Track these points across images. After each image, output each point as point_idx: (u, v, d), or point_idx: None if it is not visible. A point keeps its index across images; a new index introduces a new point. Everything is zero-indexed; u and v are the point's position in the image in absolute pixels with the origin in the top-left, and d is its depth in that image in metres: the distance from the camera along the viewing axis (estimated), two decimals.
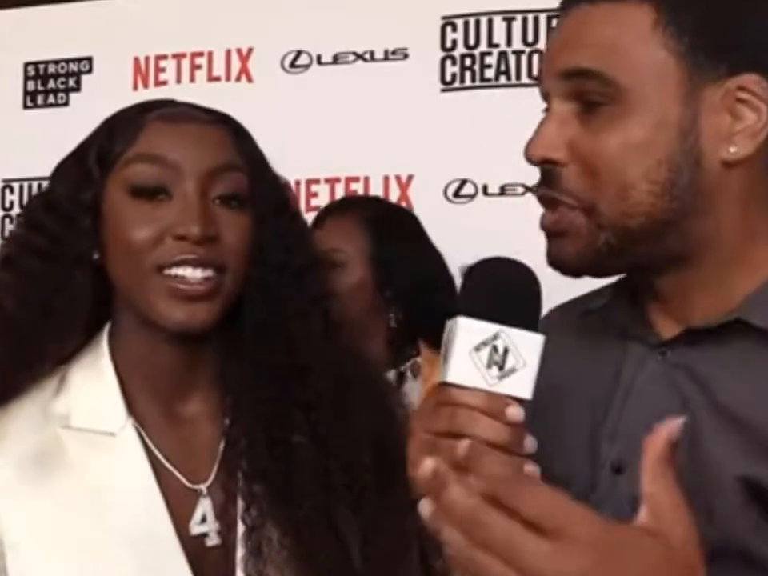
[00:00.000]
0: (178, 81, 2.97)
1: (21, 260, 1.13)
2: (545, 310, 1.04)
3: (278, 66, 2.87)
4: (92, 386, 1.13)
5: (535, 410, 0.84)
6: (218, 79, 2.94)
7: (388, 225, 2.04)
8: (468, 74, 2.74)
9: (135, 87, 2.98)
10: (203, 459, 1.14)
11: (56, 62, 3.07)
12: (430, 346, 1.93)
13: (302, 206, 2.73)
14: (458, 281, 2.21)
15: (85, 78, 3.05)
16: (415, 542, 1.13)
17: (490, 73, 2.72)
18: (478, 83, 2.73)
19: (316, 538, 1.10)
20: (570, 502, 0.68)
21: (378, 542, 1.12)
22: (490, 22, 2.73)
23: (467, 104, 2.71)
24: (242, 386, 1.14)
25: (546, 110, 0.93)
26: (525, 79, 2.64)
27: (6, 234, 2.82)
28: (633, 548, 0.69)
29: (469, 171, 2.69)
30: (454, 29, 2.75)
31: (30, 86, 3.10)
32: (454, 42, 2.75)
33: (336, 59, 2.83)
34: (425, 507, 0.71)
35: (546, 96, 0.94)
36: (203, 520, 1.11)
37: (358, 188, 2.77)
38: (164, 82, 2.97)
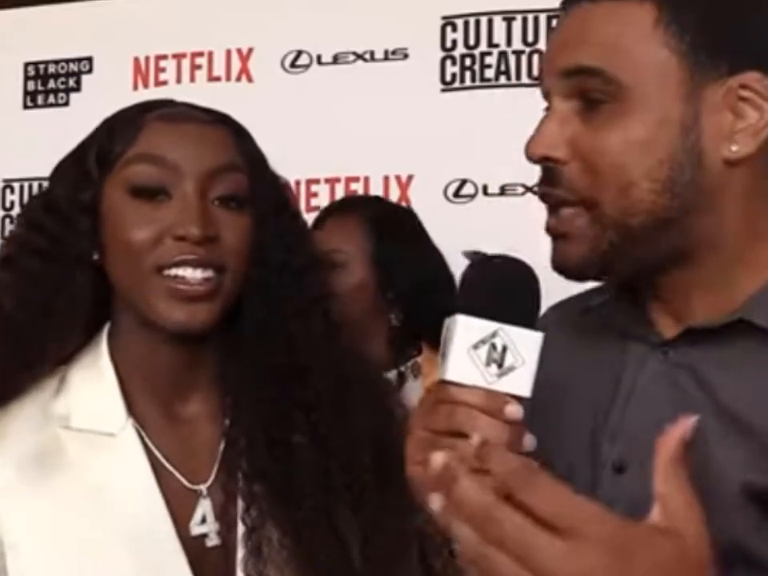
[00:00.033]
0: (178, 81, 2.97)
1: (21, 260, 1.13)
2: (544, 309, 1.04)
3: (278, 66, 2.87)
4: (92, 387, 1.13)
5: (534, 408, 0.84)
6: (218, 79, 2.94)
7: (389, 225, 2.04)
8: (468, 73, 2.74)
9: (135, 87, 2.98)
10: (203, 459, 1.14)
11: (56, 62, 3.07)
12: (431, 345, 1.93)
13: (302, 206, 2.73)
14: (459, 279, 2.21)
15: (85, 78, 3.05)
16: (415, 541, 1.13)
17: (489, 73, 2.72)
18: (478, 83, 2.73)
19: (316, 538, 1.10)
20: (583, 501, 0.68)
21: (378, 542, 1.12)
22: (490, 22, 2.73)
23: (467, 104, 2.71)
24: (242, 386, 1.14)
25: (547, 108, 0.93)
26: (525, 79, 2.64)
27: (6, 234, 2.82)
28: (646, 546, 0.69)
29: (469, 171, 2.68)
30: (454, 29, 2.75)
31: (30, 85, 3.10)
32: (454, 42, 2.75)
33: (336, 59, 2.83)
34: (435, 502, 0.71)
35: (546, 95, 0.94)
36: (203, 520, 1.11)
37: (358, 188, 2.77)
38: (164, 82, 2.97)
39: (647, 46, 0.88)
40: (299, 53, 2.86)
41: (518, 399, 0.82)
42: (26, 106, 3.10)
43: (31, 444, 1.10)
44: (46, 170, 1.19)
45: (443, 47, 2.75)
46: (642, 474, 0.89)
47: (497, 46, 2.72)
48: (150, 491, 1.09)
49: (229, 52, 2.93)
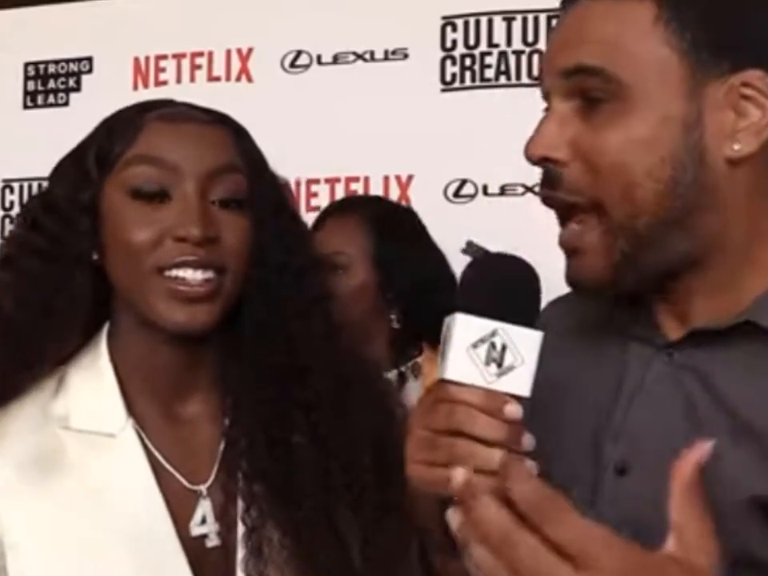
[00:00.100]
0: (178, 81, 2.97)
1: (20, 260, 1.13)
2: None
3: (278, 66, 2.87)
4: (91, 387, 1.13)
5: (534, 407, 0.84)
6: (218, 79, 2.94)
7: (389, 224, 2.04)
8: (468, 73, 2.74)
9: (135, 87, 2.98)
10: (203, 460, 1.14)
11: (56, 62, 3.07)
12: (432, 345, 1.93)
13: (302, 206, 2.73)
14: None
15: (85, 78, 3.05)
16: (415, 541, 1.13)
17: (489, 73, 2.72)
18: (478, 83, 2.73)
19: (316, 538, 1.10)
20: (599, 530, 0.68)
21: (378, 542, 1.12)
22: (490, 22, 2.73)
23: (467, 104, 2.71)
24: (242, 387, 1.14)
25: (547, 109, 0.93)
26: (525, 79, 2.64)
27: (6, 234, 2.82)
28: None
29: (469, 171, 2.68)
30: (454, 29, 2.75)
31: (30, 85, 3.10)
32: (454, 42, 2.75)
33: (336, 59, 2.83)
34: (454, 518, 0.71)
35: (546, 95, 0.93)
36: (203, 521, 1.11)
37: (358, 188, 2.77)
38: (164, 82, 2.97)
39: (647, 43, 0.88)
40: (299, 53, 2.86)
41: (518, 399, 0.82)
42: (26, 106, 3.10)
43: (31, 444, 1.10)
44: (46, 170, 1.19)
45: (443, 47, 2.75)
46: (644, 475, 0.89)
47: (497, 45, 2.72)
48: (149, 492, 1.09)
49: (229, 52, 2.93)
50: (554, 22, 0.98)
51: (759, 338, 0.87)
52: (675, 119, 0.87)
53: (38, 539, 1.07)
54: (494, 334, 0.82)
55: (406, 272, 1.97)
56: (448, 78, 2.74)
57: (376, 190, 2.74)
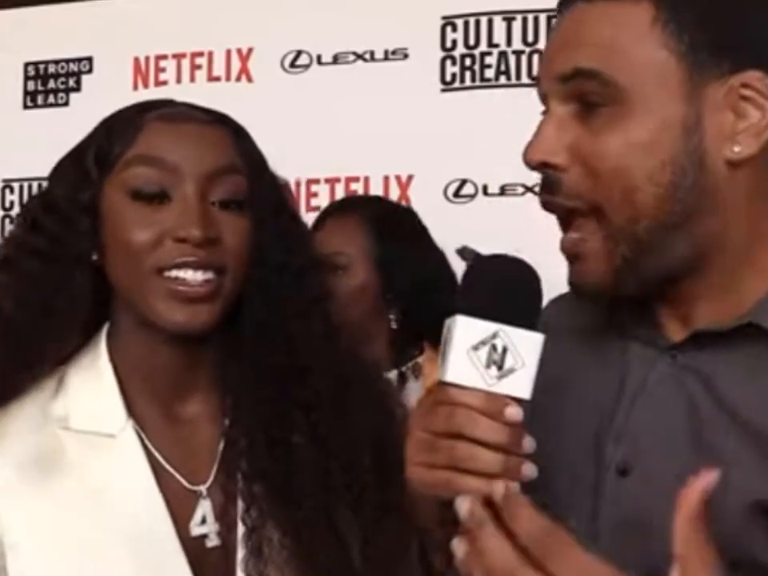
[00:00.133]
0: (178, 81, 2.97)
1: (20, 261, 1.13)
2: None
3: (278, 66, 2.87)
4: (91, 388, 1.13)
5: (534, 408, 0.84)
6: (218, 79, 2.94)
7: (389, 224, 2.04)
8: (468, 73, 2.74)
9: (135, 87, 2.98)
10: (203, 460, 1.14)
11: (56, 62, 3.07)
12: (433, 345, 1.93)
13: (302, 206, 2.73)
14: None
15: (85, 78, 3.05)
16: (415, 541, 1.13)
17: (489, 73, 2.72)
18: (478, 83, 2.73)
19: (316, 538, 1.10)
20: (602, 566, 0.68)
21: (378, 541, 1.12)
22: (490, 22, 2.73)
23: (467, 104, 2.71)
24: (242, 387, 1.14)
25: (545, 112, 0.92)
26: (525, 79, 2.64)
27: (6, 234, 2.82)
28: None
29: (469, 171, 2.69)
30: (454, 29, 2.75)
31: (30, 85, 3.10)
32: (454, 42, 2.75)
33: (336, 59, 2.83)
34: (459, 547, 0.71)
35: (544, 98, 0.92)
36: (203, 521, 1.11)
37: (358, 188, 2.77)
38: (164, 82, 2.97)
39: (645, 46, 0.87)
40: (299, 53, 2.86)
41: (518, 401, 0.82)
42: (26, 106, 3.10)
43: (31, 444, 1.10)
44: (46, 170, 1.18)
45: (443, 47, 2.75)
46: (645, 476, 0.89)
47: (497, 46, 2.72)
48: (149, 492, 1.09)
49: (229, 52, 2.93)
50: (554, 22, 0.97)
51: (761, 340, 0.86)
52: (674, 122, 0.86)
53: (38, 539, 1.07)
54: (494, 336, 0.81)
55: (406, 272, 1.98)
56: (448, 77, 2.74)
57: (376, 190, 2.74)
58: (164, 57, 2.98)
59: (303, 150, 2.59)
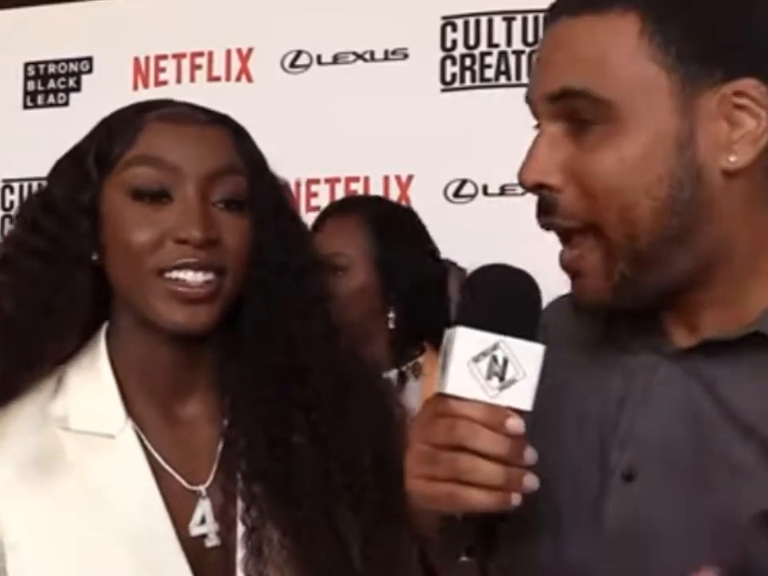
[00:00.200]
0: (178, 81, 2.97)
1: (20, 261, 1.13)
2: None
3: (278, 66, 2.88)
4: (90, 388, 1.13)
5: (535, 416, 0.83)
6: (218, 79, 2.94)
7: (389, 224, 2.04)
8: (468, 73, 2.74)
9: (135, 87, 2.98)
10: (202, 460, 1.14)
11: (56, 62, 3.07)
12: (434, 345, 1.93)
13: (302, 206, 2.74)
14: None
15: (85, 78, 3.05)
16: (415, 541, 1.13)
17: (489, 73, 2.73)
18: (478, 83, 2.73)
19: (316, 538, 1.10)
20: None
21: (378, 541, 1.12)
22: (490, 22, 2.73)
23: (467, 104, 2.72)
24: (242, 387, 1.14)
25: (537, 126, 0.91)
26: (525, 79, 2.63)
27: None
28: None
29: (469, 171, 2.69)
30: (454, 29, 2.75)
31: (30, 85, 3.10)
32: (454, 42, 2.75)
33: (336, 59, 2.83)
34: None
35: (535, 115, 0.91)
36: (202, 521, 1.11)
37: (358, 188, 2.78)
38: (164, 82, 2.98)
39: (633, 61, 0.85)
40: (299, 53, 2.86)
41: (519, 412, 0.81)
42: (26, 106, 3.10)
43: (31, 444, 1.10)
44: (46, 170, 1.18)
45: (443, 47, 2.75)
46: (651, 481, 0.88)
47: (497, 46, 2.73)
48: (149, 492, 1.09)
49: (229, 52, 2.93)
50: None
51: (767, 349, 0.85)
52: (668, 136, 0.85)
53: (37, 539, 1.07)
54: (495, 347, 0.81)
55: (407, 272, 1.98)
56: (448, 77, 2.75)
57: (376, 190, 2.75)
58: (164, 57, 2.98)
59: (303, 150, 2.59)
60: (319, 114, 2.75)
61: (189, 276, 1.07)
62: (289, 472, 1.12)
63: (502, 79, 2.71)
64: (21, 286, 1.12)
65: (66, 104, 3.07)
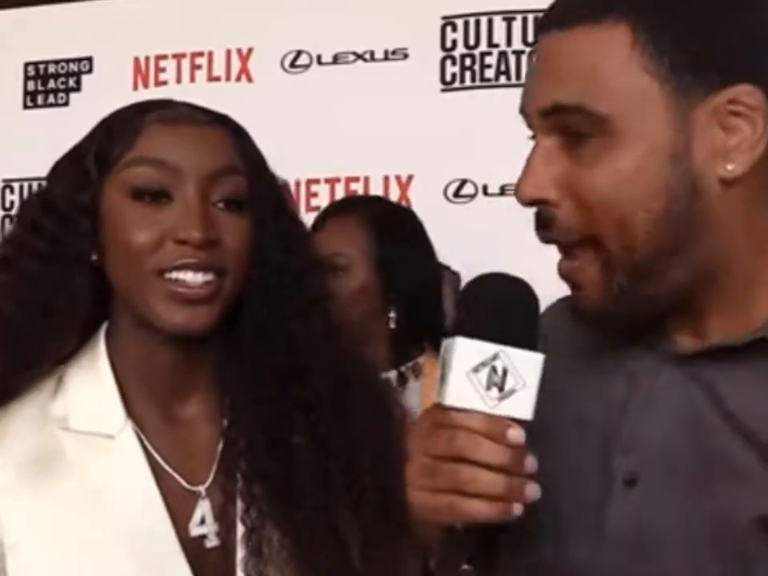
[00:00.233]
0: (178, 81, 2.97)
1: (19, 261, 1.13)
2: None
3: (278, 66, 2.88)
4: (90, 388, 1.13)
5: (535, 423, 0.82)
6: (218, 79, 2.95)
7: (389, 225, 2.03)
8: (468, 73, 2.74)
9: (135, 87, 2.98)
10: (202, 461, 1.14)
11: (56, 62, 3.07)
12: (433, 345, 1.93)
13: (302, 206, 2.74)
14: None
15: (85, 78, 3.06)
16: (416, 551, 1.13)
17: (489, 73, 2.73)
18: (477, 83, 2.73)
19: (316, 539, 1.10)
20: None
21: (378, 542, 1.12)
22: (490, 22, 2.73)
23: (467, 104, 2.72)
24: (241, 387, 1.14)
25: (533, 137, 0.90)
26: (525, 79, 2.64)
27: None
28: None
29: (469, 171, 2.69)
30: (454, 29, 2.75)
31: (30, 85, 3.10)
32: (454, 42, 2.75)
33: (336, 59, 2.83)
34: None
35: (530, 127, 0.90)
36: (202, 521, 1.11)
37: (358, 188, 2.78)
38: (164, 82, 2.98)
39: (625, 73, 0.84)
40: (299, 53, 2.86)
41: (519, 422, 0.81)
42: (26, 106, 3.10)
43: (31, 444, 1.10)
44: (46, 170, 1.18)
45: (443, 47, 2.76)
46: (653, 486, 0.88)
47: (497, 46, 2.73)
48: (149, 492, 1.09)
49: (229, 52, 2.93)
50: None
51: None
52: (663, 147, 0.84)
53: (38, 539, 1.07)
54: (494, 357, 0.80)
55: (406, 272, 1.98)
56: (448, 77, 2.75)
57: (376, 190, 2.75)
58: (164, 57, 2.98)
59: (303, 150, 2.59)
60: (319, 114, 2.75)
61: (189, 277, 1.07)
62: (288, 472, 1.11)
63: (502, 79, 2.71)
64: (20, 286, 1.12)
65: (66, 104, 3.07)
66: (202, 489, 1.12)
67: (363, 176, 2.77)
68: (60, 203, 1.12)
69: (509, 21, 2.71)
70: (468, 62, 2.74)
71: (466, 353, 0.80)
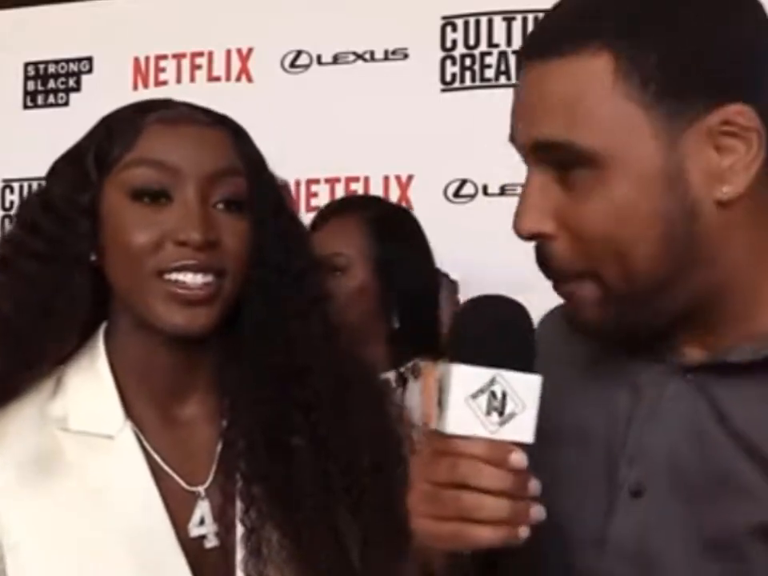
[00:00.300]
0: (178, 81, 2.97)
1: (18, 261, 1.13)
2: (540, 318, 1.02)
3: (278, 66, 2.88)
4: (89, 388, 1.13)
5: (536, 439, 0.81)
6: (218, 79, 2.95)
7: (389, 225, 2.03)
8: (468, 73, 2.74)
9: (135, 87, 2.99)
10: (201, 461, 1.13)
11: (56, 62, 3.07)
12: (433, 345, 1.93)
13: (302, 206, 2.74)
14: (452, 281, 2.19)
15: (85, 78, 3.06)
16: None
17: (489, 73, 2.73)
18: (478, 83, 2.73)
19: (316, 539, 1.10)
20: None
21: (378, 543, 1.12)
22: (490, 22, 2.73)
23: (467, 104, 2.72)
24: (241, 388, 1.14)
25: (526, 160, 0.88)
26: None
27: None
28: None
29: (469, 171, 2.69)
30: (454, 29, 2.75)
31: (30, 85, 3.10)
32: (454, 42, 2.75)
33: (336, 59, 2.83)
34: None
35: (521, 156, 0.89)
36: (201, 522, 1.11)
37: (358, 188, 2.78)
38: (164, 82, 2.98)
39: (609, 103, 0.82)
40: (299, 53, 2.86)
41: (521, 445, 0.80)
42: (26, 106, 3.11)
43: (31, 445, 1.10)
44: (46, 170, 1.18)
45: (443, 47, 2.76)
46: (659, 497, 0.88)
47: (497, 46, 2.73)
48: (148, 493, 1.09)
49: (229, 52, 2.93)
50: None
51: None
52: (655, 175, 0.82)
53: (37, 539, 1.07)
54: (492, 382, 0.80)
55: (406, 273, 1.97)
56: (448, 77, 2.75)
57: (376, 190, 2.75)
58: (164, 57, 2.98)
59: (303, 150, 2.59)
60: (319, 114, 2.75)
61: (188, 278, 1.07)
62: (288, 473, 1.11)
63: (502, 79, 2.71)
64: (20, 287, 1.12)
65: (66, 104, 3.07)
66: (201, 489, 1.12)
67: (363, 176, 2.77)
68: (59, 203, 1.12)
69: (509, 21, 2.71)
70: (468, 62, 2.74)
71: (463, 379, 0.80)
